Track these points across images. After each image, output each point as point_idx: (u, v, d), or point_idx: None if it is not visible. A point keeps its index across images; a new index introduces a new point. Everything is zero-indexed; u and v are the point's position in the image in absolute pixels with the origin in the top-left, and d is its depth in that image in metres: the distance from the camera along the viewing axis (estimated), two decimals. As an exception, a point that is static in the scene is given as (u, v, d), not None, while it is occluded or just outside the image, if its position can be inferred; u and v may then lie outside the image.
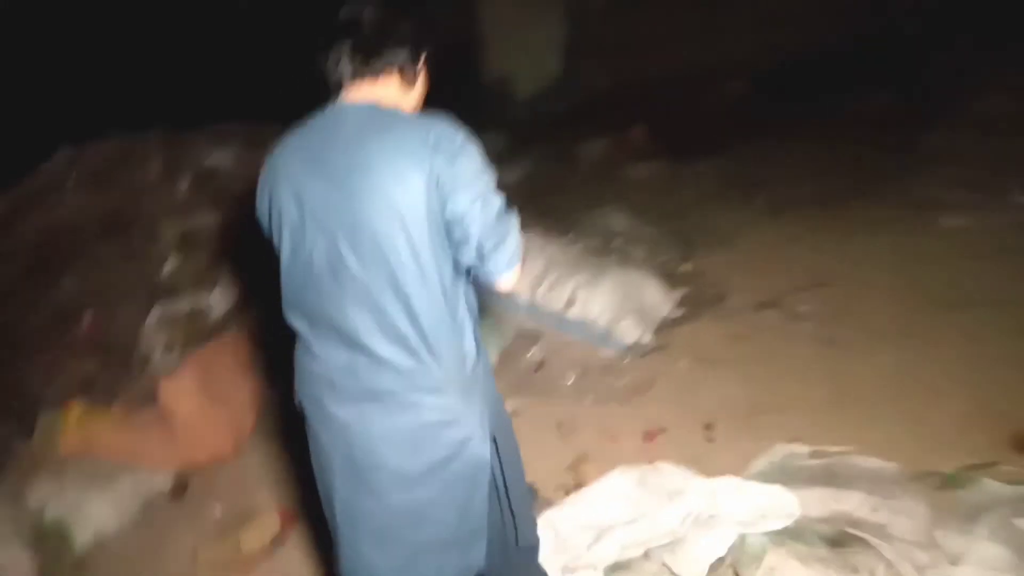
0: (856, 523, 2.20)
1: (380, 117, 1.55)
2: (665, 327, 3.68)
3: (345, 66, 1.60)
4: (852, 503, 2.27)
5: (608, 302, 3.55)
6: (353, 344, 1.55)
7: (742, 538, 2.10)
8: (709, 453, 2.76)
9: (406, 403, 1.57)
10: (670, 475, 2.44)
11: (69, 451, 3.00)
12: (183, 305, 3.92)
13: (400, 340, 1.53)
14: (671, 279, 4.00)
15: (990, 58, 6.00)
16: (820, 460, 2.53)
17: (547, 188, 5.71)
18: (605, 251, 4.13)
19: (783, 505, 2.20)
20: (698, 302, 3.86)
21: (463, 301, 1.63)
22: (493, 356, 3.57)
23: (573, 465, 2.80)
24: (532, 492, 2.56)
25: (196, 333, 3.76)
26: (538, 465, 2.75)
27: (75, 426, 3.07)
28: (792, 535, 2.09)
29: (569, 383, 3.38)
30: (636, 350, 3.49)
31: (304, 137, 1.59)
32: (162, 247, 4.19)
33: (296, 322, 1.64)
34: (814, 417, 2.89)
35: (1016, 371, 2.94)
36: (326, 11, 1.64)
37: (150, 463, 3.04)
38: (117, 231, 4.22)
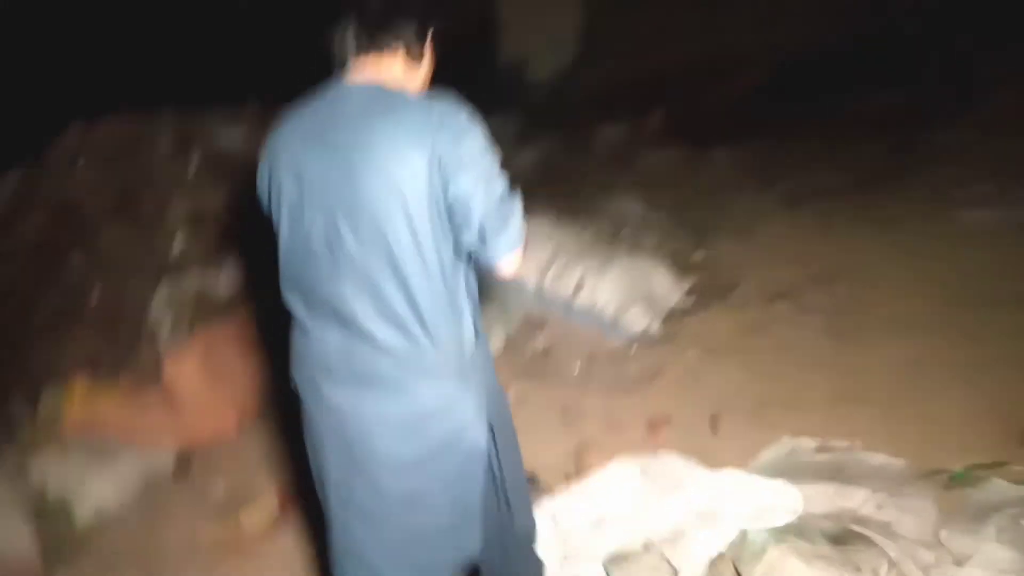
0: (861, 520, 2.16)
1: (384, 97, 1.52)
2: (674, 316, 3.64)
3: (350, 41, 1.57)
4: (857, 500, 2.23)
5: (616, 290, 3.51)
6: (349, 326, 1.53)
7: (743, 533, 2.07)
8: (714, 445, 2.72)
9: (402, 387, 1.54)
10: (673, 466, 2.40)
11: (73, 426, 3.01)
12: (191, 284, 3.92)
13: (397, 322, 1.51)
14: (682, 268, 3.95)
15: (992, 58, 5.89)
16: (826, 455, 2.49)
17: (560, 172, 5.66)
18: (616, 238, 4.09)
19: (786, 501, 2.16)
20: (708, 292, 3.82)
21: (463, 285, 1.59)
22: (499, 342, 3.55)
23: (576, 453, 2.77)
24: (533, 480, 2.54)
25: (203, 312, 3.76)
26: (540, 452, 2.73)
27: (80, 401, 3.08)
28: (795, 531, 2.05)
29: (575, 371, 3.35)
30: (643, 339, 3.45)
31: (306, 115, 1.56)
32: (171, 225, 4.18)
33: (293, 303, 1.62)
34: (822, 411, 2.85)
35: (1030, 371, 2.88)
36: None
37: (153, 440, 3.04)
38: (127, 208, 4.21)
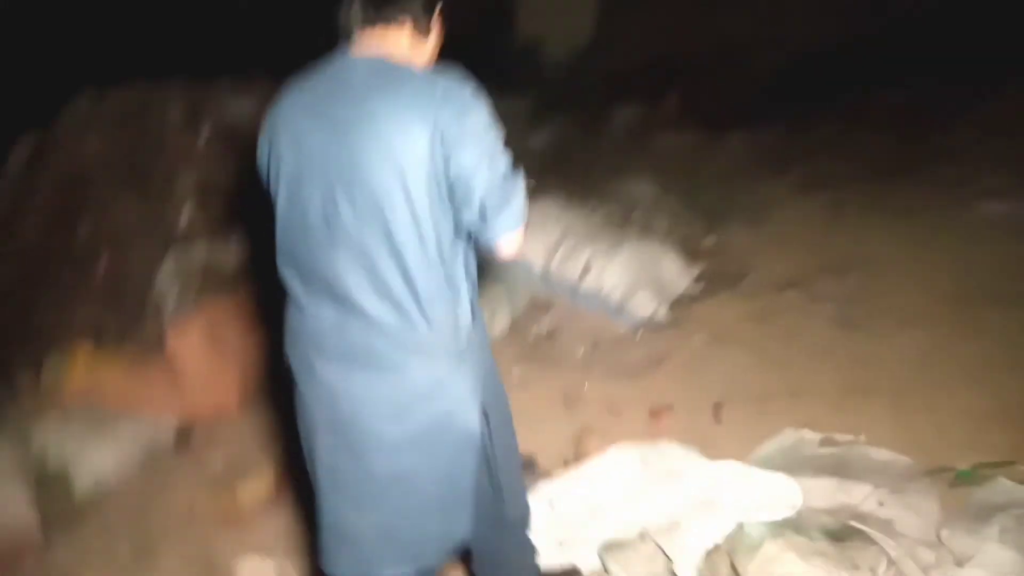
0: (861, 517, 2.13)
1: (388, 70, 1.49)
2: (681, 302, 3.60)
3: (357, 13, 1.53)
4: (859, 496, 2.20)
5: (624, 274, 3.47)
6: (344, 302, 1.50)
7: (740, 526, 2.04)
8: (716, 434, 2.69)
9: (394, 366, 1.52)
10: (673, 455, 2.37)
11: (75, 394, 3.01)
12: (198, 255, 3.91)
13: (392, 300, 1.48)
14: (692, 253, 3.91)
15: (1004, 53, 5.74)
16: (829, 449, 2.45)
17: (573, 154, 5.60)
18: (626, 221, 4.04)
19: (786, 494, 2.12)
20: (717, 278, 3.77)
21: (462, 265, 1.56)
22: (504, 323, 3.52)
23: (576, 438, 2.75)
24: (531, 464, 2.52)
25: (209, 284, 3.75)
26: (540, 436, 2.71)
27: (82, 370, 3.08)
28: (793, 526, 2.02)
29: (579, 355, 3.32)
30: (650, 325, 3.41)
31: (308, 87, 1.53)
32: (179, 196, 4.17)
33: (288, 278, 1.60)
34: (828, 403, 2.81)
35: (1043, 370, 2.83)
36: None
37: (155, 411, 3.04)
38: (136, 178, 4.20)
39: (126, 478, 2.80)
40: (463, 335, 1.57)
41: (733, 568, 1.98)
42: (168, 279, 3.70)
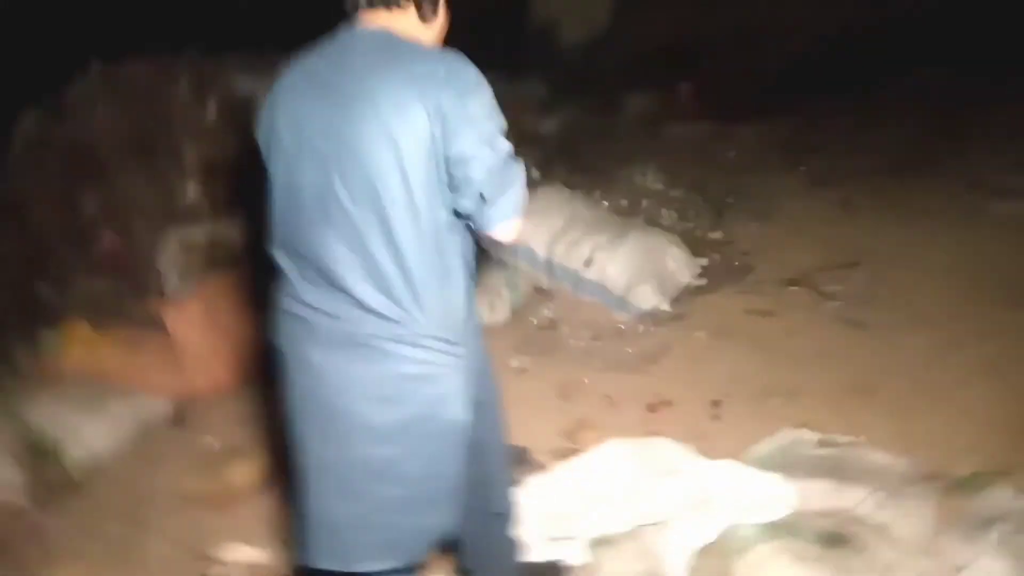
0: (857, 521, 2.10)
1: (393, 46, 1.45)
2: (685, 296, 3.56)
3: None
4: (855, 499, 2.17)
5: (628, 265, 3.44)
6: (335, 284, 1.47)
7: (733, 527, 2.02)
8: (713, 431, 2.66)
9: (384, 352, 1.49)
10: (667, 452, 2.35)
11: (71, 369, 3.00)
12: (202, 233, 3.89)
13: (384, 284, 1.45)
14: (698, 246, 3.87)
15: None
16: (827, 450, 2.42)
17: (584, 140, 5.53)
18: (632, 211, 4.00)
19: (780, 496, 2.10)
20: (723, 272, 3.74)
21: (458, 253, 1.53)
22: (505, 312, 3.49)
23: (571, 431, 2.72)
24: (524, 456, 2.50)
25: (212, 262, 3.73)
26: (535, 427, 2.69)
27: (79, 344, 3.07)
28: (786, 529, 2.00)
29: (579, 345, 3.29)
30: (652, 317, 3.38)
31: (311, 61, 1.50)
32: (186, 172, 4.15)
33: (280, 258, 1.57)
34: (829, 402, 2.78)
35: (1052, 378, 2.78)
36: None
37: (150, 388, 3.03)
38: (142, 152, 4.18)
39: (119, 455, 2.79)
40: (456, 324, 1.55)
41: (723, 569, 1.96)
42: (170, 256, 3.69)
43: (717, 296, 3.58)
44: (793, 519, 2.06)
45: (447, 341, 1.53)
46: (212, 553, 2.31)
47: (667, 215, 4.06)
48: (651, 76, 6.60)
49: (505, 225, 1.47)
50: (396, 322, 1.47)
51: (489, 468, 1.78)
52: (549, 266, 3.54)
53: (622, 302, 3.40)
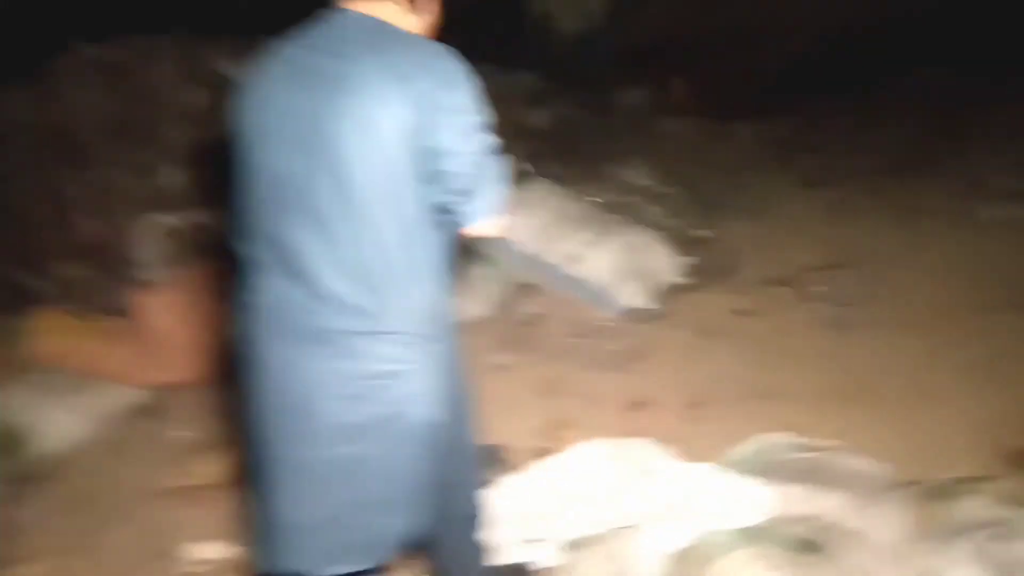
0: (833, 527, 2.07)
1: (377, 31, 1.40)
2: (670, 294, 3.53)
3: None
4: (829, 505, 2.13)
5: (613, 262, 3.40)
6: (301, 276, 1.42)
7: (707, 532, 1.98)
8: (692, 432, 2.63)
9: (351, 348, 1.44)
10: (644, 453, 2.31)
11: (42, 357, 2.95)
12: (182, 220, 3.83)
13: (353, 276, 1.40)
14: (684, 244, 3.82)
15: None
16: (805, 454, 2.38)
17: (575, 134, 5.47)
18: (620, 207, 3.95)
19: (756, 502, 2.07)
20: (709, 271, 3.70)
21: (433, 247, 1.48)
22: (487, 306, 3.45)
23: (549, 429, 2.69)
24: (499, 455, 2.46)
25: (191, 250, 3.68)
26: (513, 425, 2.66)
27: (50, 331, 3.02)
28: (761, 535, 1.96)
29: (560, 342, 3.25)
30: (635, 315, 3.35)
31: (290, 45, 1.45)
32: (168, 157, 4.08)
33: (245, 247, 1.52)
34: (810, 406, 2.76)
35: (1036, 386, 2.76)
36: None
37: (123, 378, 2.98)
38: (123, 135, 4.11)
39: (89, 446, 2.74)
40: (428, 320, 1.50)
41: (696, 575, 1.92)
42: (149, 243, 3.63)
43: (703, 295, 3.55)
44: (768, 525, 2.03)
45: (418, 337, 1.48)
46: (180, 549, 2.27)
47: (656, 212, 4.01)
48: (646, 70, 6.55)
49: (484, 222, 1.43)
50: (364, 316, 1.42)
51: (459, 469, 1.74)
52: (534, 260, 3.50)
53: (606, 299, 3.36)
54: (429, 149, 1.35)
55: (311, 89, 1.36)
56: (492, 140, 1.43)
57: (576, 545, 2.11)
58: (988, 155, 4.77)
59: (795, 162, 5.07)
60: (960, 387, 2.80)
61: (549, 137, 5.39)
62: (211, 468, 2.56)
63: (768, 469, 2.28)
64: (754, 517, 2.06)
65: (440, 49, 1.39)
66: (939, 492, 2.23)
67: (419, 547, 1.81)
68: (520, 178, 3.89)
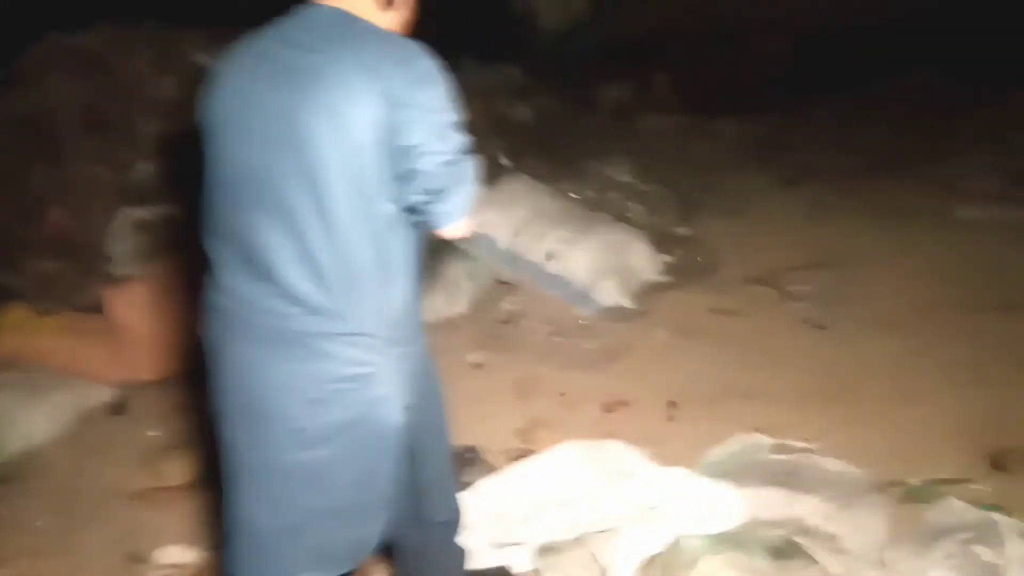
0: (807, 531, 2.06)
1: (348, 26, 1.36)
2: (648, 292, 3.51)
3: None
4: (806, 508, 2.13)
5: (591, 260, 3.38)
6: (266, 275, 1.38)
7: (681, 537, 1.96)
8: (668, 433, 2.61)
9: (317, 350, 1.40)
10: (619, 456, 2.29)
11: (8, 354, 2.89)
12: (155, 214, 3.76)
13: (319, 276, 1.35)
14: (664, 242, 3.81)
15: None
16: (781, 456, 2.38)
17: (556, 130, 5.44)
18: (599, 204, 3.93)
19: (730, 507, 2.05)
20: (688, 270, 3.69)
21: (402, 247, 1.44)
22: (463, 304, 3.41)
23: (525, 430, 2.66)
24: (473, 457, 2.43)
25: (164, 245, 3.61)
26: (489, 426, 2.63)
27: (17, 328, 2.95)
28: (734, 541, 1.94)
29: (537, 341, 3.22)
30: (613, 313, 3.33)
31: (264, 39, 1.40)
32: (140, 149, 4.01)
33: (212, 246, 1.48)
34: (787, 406, 2.74)
35: (1015, 386, 2.75)
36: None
37: (92, 375, 2.92)
38: (95, 127, 4.03)
39: (57, 445, 2.68)
40: (397, 322, 1.46)
41: (668, 581, 1.90)
42: (120, 237, 3.56)
43: (681, 293, 3.53)
44: (743, 530, 2.01)
45: (386, 340, 1.44)
46: (150, 553, 2.23)
47: (635, 209, 3.99)
48: (629, 66, 6.53)
49: (452, 223, 1.40)
50: (330, 317, 1.38)
51: (431, 474, 1.70)
52: (511, 257, 3.46)
53: (584, 297, 3.34)
54: (401, 147, 1.31)
55: (281, 83, 1.33)
56: (466, 139, 1.39)
57: (549, 551, 2.08)
58: (968, 156, 4.79)
59: (776, 160, 5.07)
60: (941, 387, 2.79)
61: (530, 132, 5.35)
62: (182, 469, 2.51)
63: (743, 472, 2.27)
64: (729, 522, 2.04)
65: (414, 46, 1.36)
66: (917, 495, 2.22)
67: (388, 551, 1.78)
68: (499, 173, 3.85)
